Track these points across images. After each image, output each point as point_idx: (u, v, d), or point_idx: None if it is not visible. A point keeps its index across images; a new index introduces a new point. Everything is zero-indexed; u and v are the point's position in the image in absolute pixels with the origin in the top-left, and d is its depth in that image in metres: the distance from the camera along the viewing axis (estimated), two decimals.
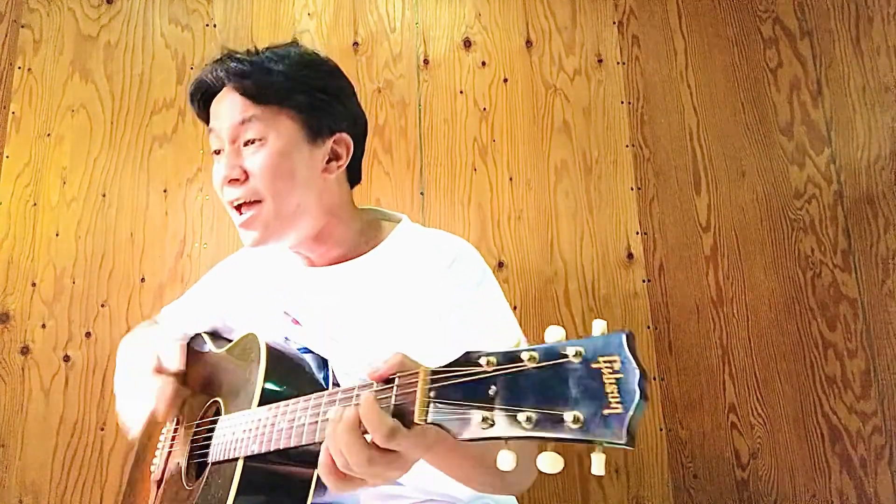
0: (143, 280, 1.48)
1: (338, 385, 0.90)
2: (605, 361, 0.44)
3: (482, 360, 0.50)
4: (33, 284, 1.46)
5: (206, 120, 0.97)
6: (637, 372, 0.42)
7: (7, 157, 1.52)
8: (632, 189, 1.59)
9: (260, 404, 0.79)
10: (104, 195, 1.52)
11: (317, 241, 0.97)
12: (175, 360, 1.01)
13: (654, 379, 1.49)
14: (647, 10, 1.70)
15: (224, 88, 0.93)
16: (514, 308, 1.51)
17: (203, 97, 0.97)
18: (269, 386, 0.82)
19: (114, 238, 1.50)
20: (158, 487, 0.97)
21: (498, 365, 0.49)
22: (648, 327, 1.51)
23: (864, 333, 1.49)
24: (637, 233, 1.56)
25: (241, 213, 0.90)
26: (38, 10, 1.61)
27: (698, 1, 1.70)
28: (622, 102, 1.64)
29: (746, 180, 1.60)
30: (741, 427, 1.47)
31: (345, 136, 0.96)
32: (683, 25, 1.69)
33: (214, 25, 1.64)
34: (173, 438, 1.00)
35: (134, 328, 1.18)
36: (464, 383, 0.51)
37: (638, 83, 1.65)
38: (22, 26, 1.59)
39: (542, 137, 1.61)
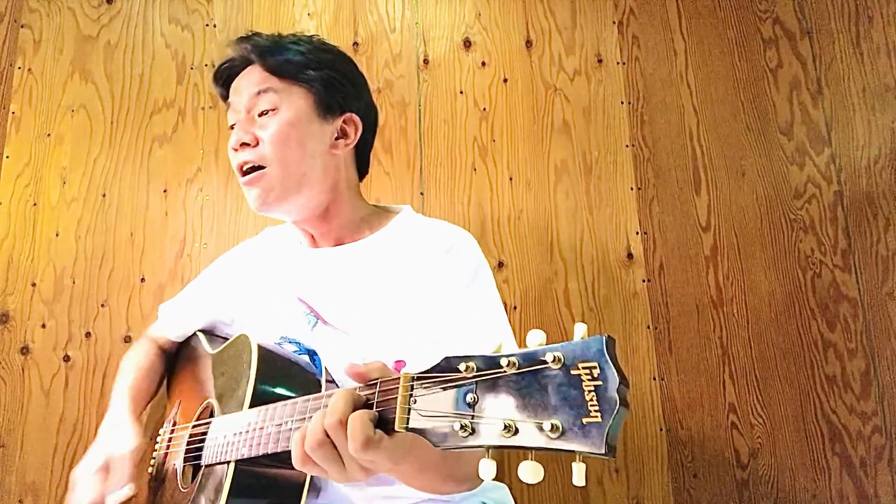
0: (143, 280, 1.48)
1: (332, 381, 0.90)
2: (584, 368, 0.43)
3: (462, 366, 0.49)
4: (33, 284, 1.46)
5: (226, 98, 1.03)
6: (616, 379, 0.41)
7: (7, 157, 1.52)
8: (632, 189, 1.59)
9: (251, 407, 0.79)
10: (104, 195, 1.52)
11: (322, 219, 1.01)
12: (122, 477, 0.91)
13: (654, 379, 1.49)
14: (647, 10, 1.70)
15: (248, 68, 1.00)
16: (514, 308, 1.51)
17: (227, 75, 1.02)
18: (260, 389, 0.82)
19: (114, 238, 1.50)
20: (156, 488, 0.97)
21: (478, 371, 0.49)
22: (648, 327, 1.51)
23: (864, 333, 1.49)
24: (637, 233, 1.56)
25: (245, 175, 0.95)
26: (38, 10, 1.61)
27: (698, 1, 1.70)
28: (622, 102, 1.64)
29: (746, 180, 1.60)
30: (741, 427, 1.47)
31: (354, 116, 1.01)
32: (683, 25, 1.69)
33: (214, 25, 1.64)
34: (170, 440, 1.00)
35: (118, 388, 1.10)
36: (444, 390, 0.51)
37: (638, 83, 1.65)
38: (22, 26, 1.59)
39: (542, 137, 1.61)
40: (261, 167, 0.94)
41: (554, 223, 1.56)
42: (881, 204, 1.54)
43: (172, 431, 1.01)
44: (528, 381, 0.45)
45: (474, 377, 0.49)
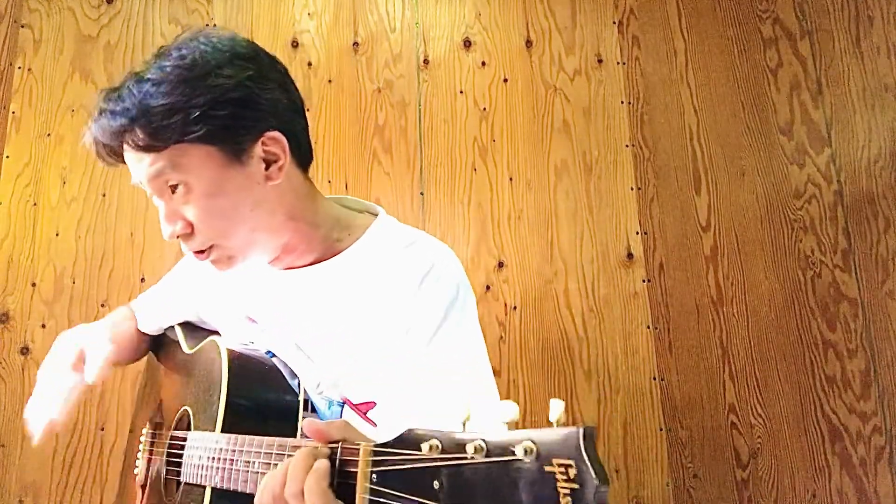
0: (143, 280, 1.48)
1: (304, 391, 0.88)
2: (559, 465, 0.38)
3: (424, 446, 0.45)
4: (33, 284, 1.46)
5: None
6: (595, 482, 0.36)
7: (7, 157, 1.52)
8: (632, 189, 1.59)
9: (223, 427, 0.78)
10: (104, 195, 1.52)
11: (287, 251, 0.89)
12: (94, 370, 0.91)
13: (654, 379, 1.49)
14: (647, 10, 1.70)
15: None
16: (514, 308, 1.51)
17: (108, 154, 0.84)
18: (232, 406, 0.79)
19: (114, 238, 1.50)
20: (143, 492, 0.97)
21: (442, 452, 0.44)
22: (648, 327, 1.51)
23: (864, 333, 1.49)
24: (637, 233, 1.56)
25: (198, 255, 0.84)
26: (38, 10, 1.61)
27: (698, 1, 1.70)
28: (622, 102, 1.64)
29: (746, 180, 1.60)
30: (741, 427, 1.47)
31: (273, 133, 0.82)
32: (683, 25, 1.69)
33: (214, 25, 1.64)
34: (152, 443, 1.00)
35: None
36: (406, 470, 0.47)
37: (638, 83, 1.65)
38: (22, 26, 1.59)
39: (542, 137, 1.61)
40: (210, 248, 0.83)
41: (554, 223, 1.56)
42: (881, 204, 1.54)
43: (154, 435, 1.01)
44: (497, 471, 0.41)
45: (439, 461, 0.44)
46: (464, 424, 0.45)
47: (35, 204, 1.50)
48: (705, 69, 1.66)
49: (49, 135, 1.54)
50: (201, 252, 0.83)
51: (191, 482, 0.81)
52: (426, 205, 1.55)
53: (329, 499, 0.53)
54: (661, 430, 1.46)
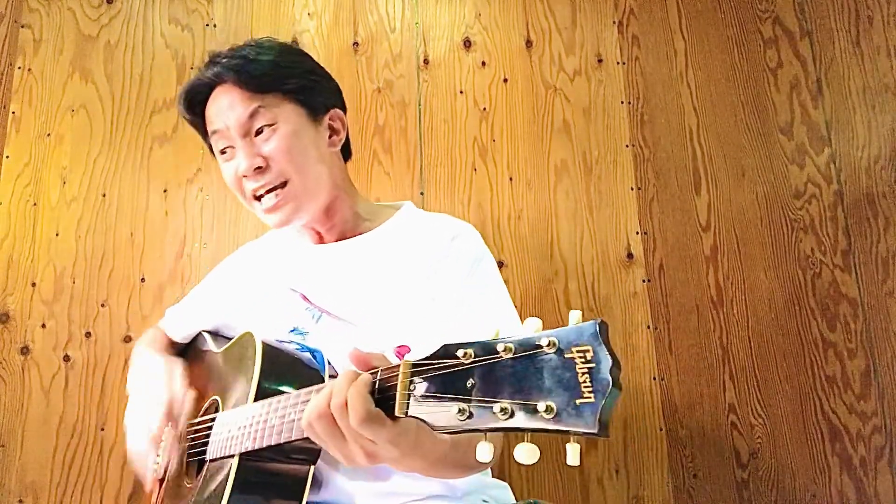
0: (143, 280, 1.48)
1: (334, 376, 0.90)
2: (578, 351, 0.44)
3: (460, 353, 0.51)
4: (33, 284, 1.46)
5: (197, 125, 1.03)
6: (609, 361, 0.42)
7: (7, 157, 1.52)
8: (632, 189, 1.59)
9: (256, 398, 0.80)
10: (104, 195, 1.52)
11: (325, 215, 1.03)
12: (181, 404, 0.98)
13: (654, 379, 1.49)
14: (647, 10, 1.70)
15: (217, 89, 0.98)
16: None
17: (195, 101, 1.01)
18: (265, 383, 0.83)
19: (114, 238, 1.50)
20: (161, 485, 0.98)
21: (475, 357, 0.50)
22: (648, 327, 1.51)
23: (864, 333, 1.49)
24: (637, 233, 1.56)
25: (262, 200, 0.95)
26: (38, 10, 1.61)
27: (698, 1, 1.70)
28: (622, 102, 1.64)
29: (746, 180, 1.60)
30: (741, 427, 1.47)
31: (338, 111, 1.04)
32: (683, 25, 1.69)
33: (214, 25, 1.64)
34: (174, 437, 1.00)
35: (140, 351, 1.16)
36: (442, 376, 0.52)
37: (638, 83, 1.65)
38: (22, 26, 1.59)
39: (542, 137, 1.61)
40: (281, 185, 0.95)
41: (554, 223, 1.56)
42: (881, 204, 1.54)
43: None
44: (524, 365, 0.47)
45: (472, 363, 0.50)
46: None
47: (35, 204, 1.50)
48: (705, 69, 1.66)
49: (49, 135, 1.54)
50: (259, 198, 0.95)
51: (217, 457, 0.82)
52: (426, 205, 1.55)
53: (369, 404, 0.58)
54: (661, 430, 1.46)
